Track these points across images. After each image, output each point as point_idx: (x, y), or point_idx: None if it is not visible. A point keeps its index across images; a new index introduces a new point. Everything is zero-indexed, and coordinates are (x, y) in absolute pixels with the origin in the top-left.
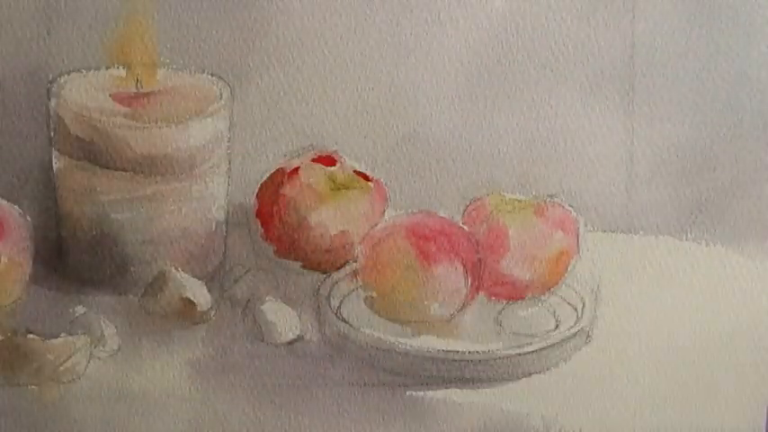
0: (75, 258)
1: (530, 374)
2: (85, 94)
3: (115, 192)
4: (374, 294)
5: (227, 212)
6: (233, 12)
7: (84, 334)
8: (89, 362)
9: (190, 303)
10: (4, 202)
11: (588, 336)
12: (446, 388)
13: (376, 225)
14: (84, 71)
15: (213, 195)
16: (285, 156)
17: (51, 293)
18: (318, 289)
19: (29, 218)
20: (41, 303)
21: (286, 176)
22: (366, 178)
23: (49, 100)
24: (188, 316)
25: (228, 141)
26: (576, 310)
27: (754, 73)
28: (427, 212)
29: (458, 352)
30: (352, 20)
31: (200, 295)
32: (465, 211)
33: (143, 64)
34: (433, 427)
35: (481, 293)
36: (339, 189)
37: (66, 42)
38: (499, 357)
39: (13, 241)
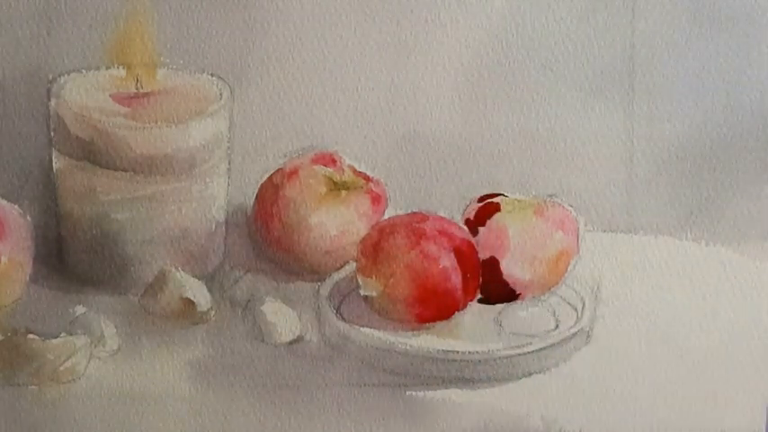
0: (75, 258)
1: (530, 374)
2: (85, 94)
3: (115, 192)
4: (374, 294)
5: (227, 212)
6: (233, 12)
7: (84, 334)
8: (89, 362)
9: (190, 303)
10: (4, 202)
11: (588, 336)
12: (446, 388)
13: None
14: (84, 71)
15: (213, 195)
16: (285, 156)
17: (51, 293)
18: (318, 289)
19: (29, 218)
20: (41, 303)
21: (286, 177)
22: (366, 178)
23: (49, 100)
24: (188, 316)
25: (228, 141)
26: (576, 310)
27: (754, 73)
28: (427, 212)
29: (458, 352)
30: (352, 20)
31: (201, 295)
32: (465, 210)
33: (143, 64)
34: (433, 427)
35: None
36: (339, 189)
37: (66, 42)
38: (499, 357)
39: (13, 241)
